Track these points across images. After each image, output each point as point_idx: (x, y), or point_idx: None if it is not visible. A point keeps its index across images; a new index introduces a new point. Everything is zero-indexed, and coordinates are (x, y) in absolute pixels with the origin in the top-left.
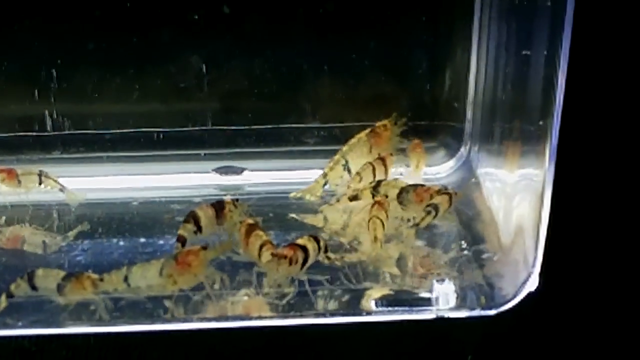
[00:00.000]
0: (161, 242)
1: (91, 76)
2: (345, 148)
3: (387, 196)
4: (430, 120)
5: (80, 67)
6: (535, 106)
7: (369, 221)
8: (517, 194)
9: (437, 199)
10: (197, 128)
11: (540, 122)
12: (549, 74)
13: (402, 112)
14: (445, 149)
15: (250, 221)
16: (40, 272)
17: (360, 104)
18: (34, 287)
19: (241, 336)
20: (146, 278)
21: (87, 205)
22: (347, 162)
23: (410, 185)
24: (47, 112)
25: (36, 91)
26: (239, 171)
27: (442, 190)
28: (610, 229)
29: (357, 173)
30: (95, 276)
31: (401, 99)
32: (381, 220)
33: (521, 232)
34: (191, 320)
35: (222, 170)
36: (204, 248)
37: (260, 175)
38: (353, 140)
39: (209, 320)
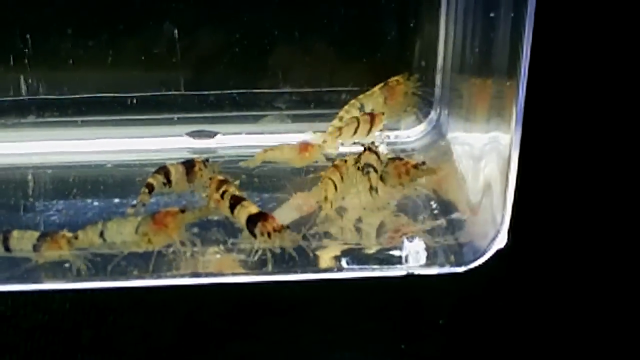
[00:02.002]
0: (134, 202)
1: (66, 41)
2: (361, 96)
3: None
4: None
5: (54, 32)
6: (503, 69)
7: (321, 182)
8: (485, 155)
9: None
10: (170, 93)
11: (508, 83)
12: (516, 36)
13: (374, 77)
14: (416, 113)
15: (221, 177)
16: (15, 233)
17: (331, 69)
18: (7, 249)
19: (214, 293)
20: (122, 234)
21: (62, 167)
22: (362, 105)
23: (389, 159)
24: (22, 77)
25: (11, 56)
26: (211, 135)
27: (419, 165)
28: (577, 185)
29: (339, 128)
30: (70, 234)
31: (372, 65)
32: (333, 182)
33: (490, 192)
34: (166, 277)
35: (194, 134)
36: (182, 211)
37: (233, 139)
38: (368, 92)
39: (185, 276)
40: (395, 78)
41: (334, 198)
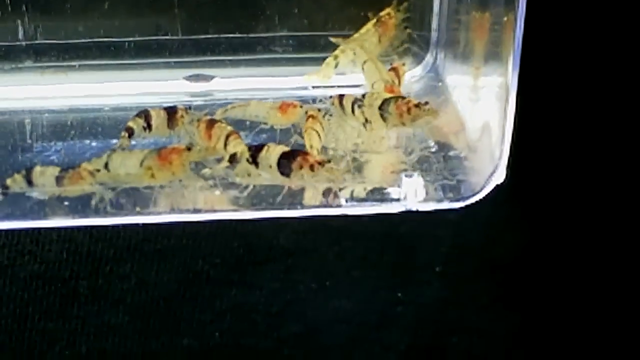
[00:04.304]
0: (133, 142)
1: None
2: (356, 35)
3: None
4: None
5: None
6: (500, 10)
7: (304, 132)
8: (483, 95)
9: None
10: (167, 37)
11: (505, 18)
12: None
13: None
14: (412, 57)
15: (208, 117)
16: (37, 168)
17: (327, 12)
18: (30, 183)
19: (211, 241)
20: (126, 166)
21: (60, 111)
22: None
23: (391, 98)
24: (19, 22)
25: (8, 1)
26: (208, 79)
27: (421, 104)
28: (576, 122)
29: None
30: (92, 167)
31: (367, 9)
32: (316, 131)
33: (488, 130)
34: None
35: (192, 78)
36: (188, 149)
37: (230, 83)
38: (362, 30)
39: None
40: (387, 11)
41: (319, 145)
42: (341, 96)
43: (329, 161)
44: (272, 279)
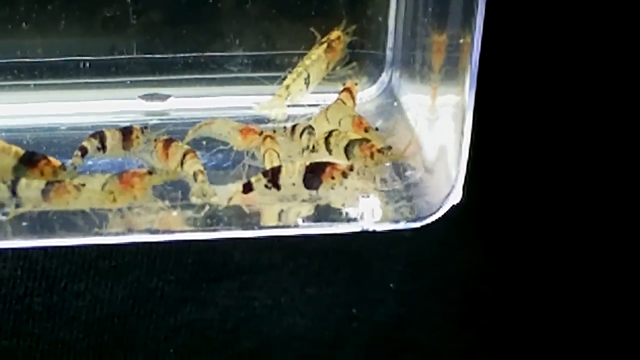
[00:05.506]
0: (89, 162)
1: (18, 5)
2: (307, 62)
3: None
4: (352, 49)
5: None
6: (456, 30)
7: (264, 154)
8: (439, 115)
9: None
10: (123, 56)
11: (461, 40)
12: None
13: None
14: (367, 76)
15: (166, 137)
16: (23, 180)
17: (282, 32)
18: (14, 193)
19: (165, 258)
20: (88, 190)
21: (16, 130)
22: (308, 75)
23: (356, 140)
24: None
25: None
26: (164, 98)
27: (385, 149)
28: (533, 141)
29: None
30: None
31: (324, 27)
32: (276, 151)
33: (444, 151)
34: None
35: (147, 97)
36: (150, 173)
37: (185, 102)
38: (312, 57)
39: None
40: (336, 34)
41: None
42: (294, 126)
43: (352, 168)
44: (226, 296)
